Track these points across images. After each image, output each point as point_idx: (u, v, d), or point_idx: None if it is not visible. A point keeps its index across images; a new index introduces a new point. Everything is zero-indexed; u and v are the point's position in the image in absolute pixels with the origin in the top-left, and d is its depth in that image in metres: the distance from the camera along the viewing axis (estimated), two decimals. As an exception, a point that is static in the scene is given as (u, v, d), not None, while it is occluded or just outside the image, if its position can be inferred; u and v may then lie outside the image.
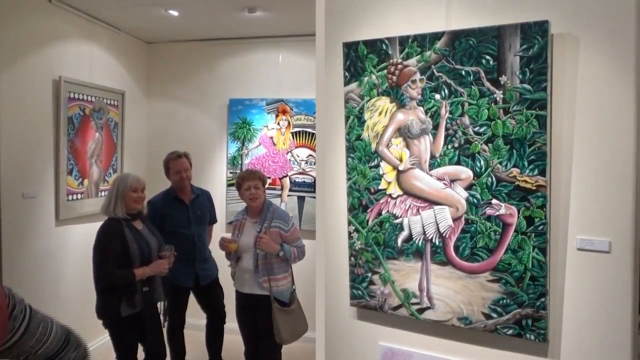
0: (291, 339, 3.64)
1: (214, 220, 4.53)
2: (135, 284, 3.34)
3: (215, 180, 5.52)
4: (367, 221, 2.49)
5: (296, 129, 5.29)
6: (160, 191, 4.32)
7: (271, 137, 5.35)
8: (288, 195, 5.34)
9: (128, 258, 3.33)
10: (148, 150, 5.73)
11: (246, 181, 3.74)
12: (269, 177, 5.32)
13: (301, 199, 5.27)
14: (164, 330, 4.19)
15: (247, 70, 5.46)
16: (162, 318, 3.70)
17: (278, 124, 5.33)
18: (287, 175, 5.34)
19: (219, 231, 5.04)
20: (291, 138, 5.31)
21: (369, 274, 2.50)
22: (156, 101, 5.74)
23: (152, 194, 4.37)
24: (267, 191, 5.18)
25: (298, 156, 5.30)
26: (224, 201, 5.44)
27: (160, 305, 3.77)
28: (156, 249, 3.54)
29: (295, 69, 5.28)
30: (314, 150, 5.16)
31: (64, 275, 4.42)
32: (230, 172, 5.46)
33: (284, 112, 5.31)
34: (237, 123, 5.42)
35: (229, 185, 5.44)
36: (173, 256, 3.61)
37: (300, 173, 5.29)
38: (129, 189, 3.43)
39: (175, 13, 4.62)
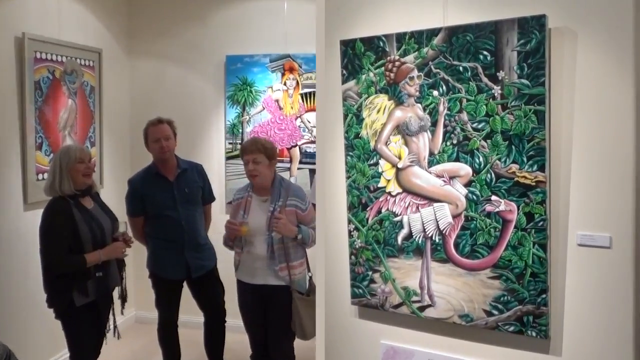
0: (314, 332, 2.99)
1: (209, 198, 3.88)
2: (88, 270, 2.98)
3: (212, 153, 4.78)
4: (367, 219, 2.48)
5: (306, 90, 4.55)
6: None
7: (277, 100, 4.57)
8: (298, 168, 4.54)
9: (78, 242, 2.95)
10: (132, 119, 4.88)
11: (245, 154, 3.21)
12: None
13: (313, 173, 4.47)
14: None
15: (247, 22, 4.66)
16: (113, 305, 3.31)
17: (284, 84, 4.55)
18: (296, 145, 4.55)
19: (219, 213, 4.44)
20: (300, 101, 4.56)
21: (370, 273, 2.49)
22: (140, 61, 4.93)
23: (136, 171, 3.84)
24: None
25: (309, 122, 4.56)
26: (223, 177, 4.66)
27: (116, 291, 3.33)
28: (110, 230, 3.15)
29: (303, 19, 4.38)
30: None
31: (33, 263, 3.49)
32: (230, 143, 4.69)
33: (292, 70, 4.53)
34: (236, 84, 4.61)
35: (228, 158, 4.67)
36: (129, 237, 3.24)
37: (312, 142, 4.51)
38: (73, 160, 2.99)
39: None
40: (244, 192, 3.34)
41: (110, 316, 3.27)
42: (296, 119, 4.59)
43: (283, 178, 3.36)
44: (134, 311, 5.00)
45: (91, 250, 3.00)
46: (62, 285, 2.96)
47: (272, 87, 4.60)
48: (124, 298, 3.34)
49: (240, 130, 4.67)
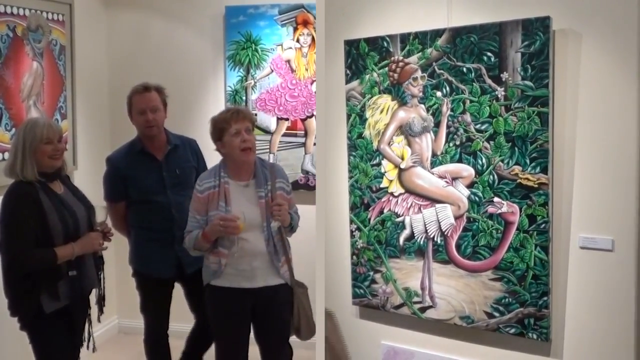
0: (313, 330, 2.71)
1: None
2: (58, 268, 2.48)
3: (209, 125, 3.81)
4: (369, 220, 2.49)
5: (324, 48, 3.84)
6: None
7: (288, 61, 3.81)
8: (315, 144, 3.71)
9: (47, 234, 2.47)
10: (111, 85, 4.10)
11: (233, 123, 2.61)
12: (287, 119, 3.84)
13: None
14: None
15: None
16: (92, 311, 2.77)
17: (297, 40, 3.78)
18: (312, 115, 3.75)
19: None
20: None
21: (371, 273, 2.50)
22: (120, 13, 4.09)
23: (117, 147, 3.20)
24: (285, 138, 3.86)
25: None
26: (223, 155, 3.86)
27: (94, 294, 2.78)
28: (85, 220, 2.63)
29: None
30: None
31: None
32: None
33: (306, 23, 3.75)
34: (239, 42, 3.82)
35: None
36: (108, 227, 2.74)
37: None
38: (39, 140, 2.47)
39: None
40: (213, 178, 2.70)
41: (87, 325, 2.76)
42: (312, 83, 3.78)
43: (259, 157, 2.88)
44: (117, 319, 4.23)
45: (63, 243, 2.50)
46: (28, 287, 2.46)
47: (282, 45, 3.82)
48: (102, 302, 2.79)
49: (244, 98, 3.86)
